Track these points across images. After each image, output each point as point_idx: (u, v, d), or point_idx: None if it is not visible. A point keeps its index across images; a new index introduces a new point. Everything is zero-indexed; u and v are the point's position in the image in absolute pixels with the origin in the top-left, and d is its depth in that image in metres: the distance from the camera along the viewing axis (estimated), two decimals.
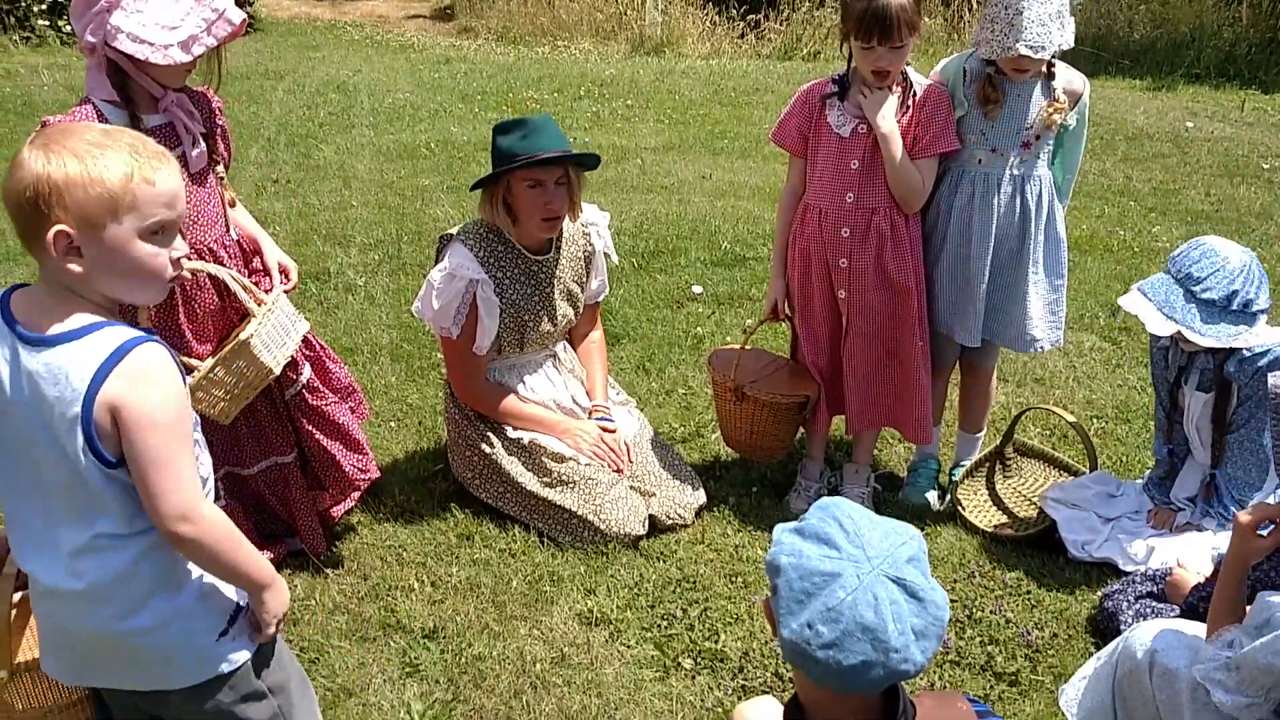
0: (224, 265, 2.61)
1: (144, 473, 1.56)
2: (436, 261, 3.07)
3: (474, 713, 2.43)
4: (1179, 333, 2.72)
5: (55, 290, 1.59)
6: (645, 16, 11.89)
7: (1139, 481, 3.15)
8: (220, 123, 2.75)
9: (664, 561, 3.00)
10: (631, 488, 3.16)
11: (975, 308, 3.12)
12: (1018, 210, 3.05)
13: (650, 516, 3.13)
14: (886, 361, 3.16)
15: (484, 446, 3.12)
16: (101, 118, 2.49)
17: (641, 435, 3.36)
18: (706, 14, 12.21)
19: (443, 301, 2.97)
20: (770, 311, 3.29)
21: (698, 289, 4.95)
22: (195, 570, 1.70)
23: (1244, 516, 2.00)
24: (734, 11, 12.25)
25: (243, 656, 1.77)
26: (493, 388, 3.17)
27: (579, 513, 3.03)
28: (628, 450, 3.25)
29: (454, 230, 3.10)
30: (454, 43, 12.55)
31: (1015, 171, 3.03)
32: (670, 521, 3.15)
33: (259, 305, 2.51)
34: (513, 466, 3.10)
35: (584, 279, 3.27)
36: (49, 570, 1.66)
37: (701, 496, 3.26)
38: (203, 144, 2.62)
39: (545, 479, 3.09)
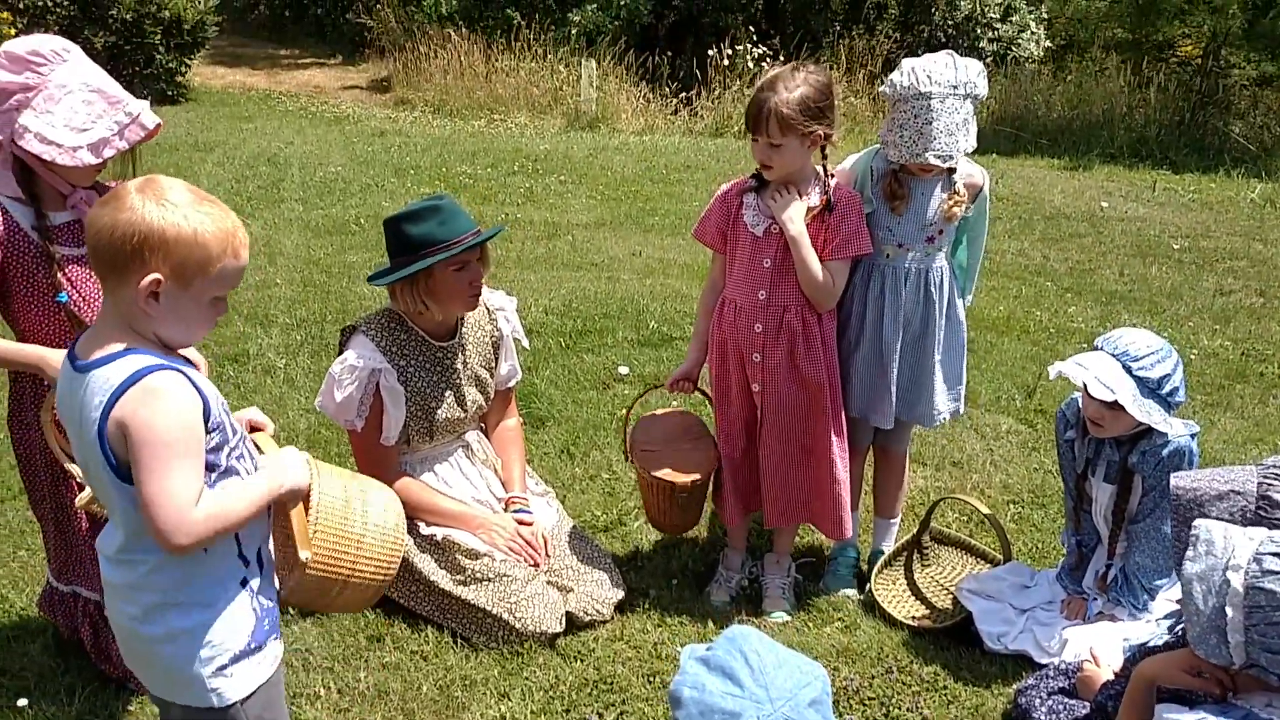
0: None
1: (140, 485, 1.66)
2: (339, 354, 3.03)
3: None
4: (1099, 414, 2.78)
5: (112, 320, 1.74)
6: (581, 92, 12.06)
7: (1052, 571, 3.18)
8: None
9: (581, 661, 2.95)
10: (549, 583, 3.11)
11: (890, 392, 3.18)
12: (921, 299, 3.14)
13: (568, 613, 3.07)
14: (802, 458, 3.17)
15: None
16: (5, 214, 2.45)
17: (560, 527, 3.32)
18: (640, 91, 12.44)
19: (344, 394, 2.93)
20: (673, 380, 3.28)
21: (624, 369, 4.96)
22: (208, 600, 1.80)
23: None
24: (667, 88, 12.49)
25: (236, 695, 1.83)
26: (404, 480, 3.11)
27: (493, 611, 2.96)
28: (545, 544, 3.20)
29: (354, 322, 3.08)
30: (389, 115, 12.59)
31: (919, 265, 3.12)
32: (588, 618, 3.10)
33: None
34: (425, 564, 3.03)
35: (493, 364, 3.26)
36: (103, 563, 1.85)
37: (621, 590, 3.21)
38: None
39: (458, 576, 3.03)
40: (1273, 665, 1.80)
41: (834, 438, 3.13)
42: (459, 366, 3.13)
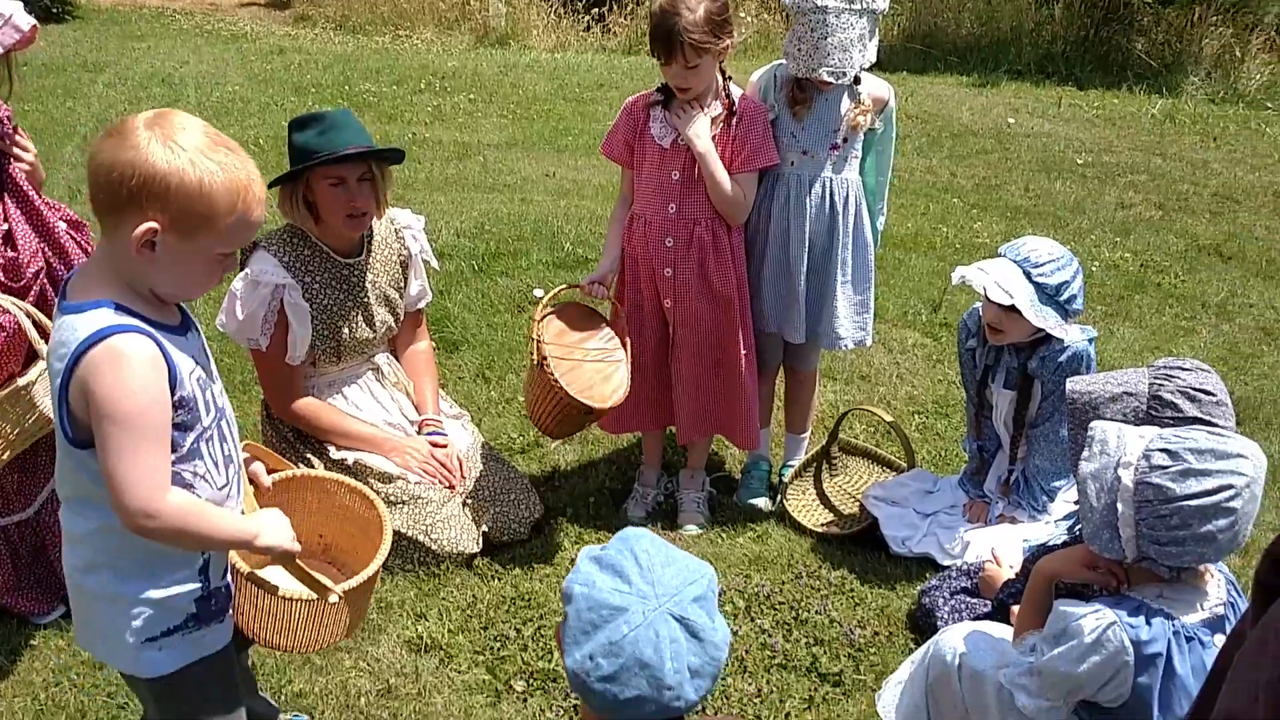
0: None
1: (103, 462, 1.55)
2: (240, 270, 2.94)
3: None
4: (997, 319, 2.85)
5: (103, 264, 1.61)
6: (489, 7, 11.71)
7: (955, 477, 3.29)
8: (6, 131, 2.55)
9: (498, 580, 2.97)
10: (464, 504, 3.11)
11: (799, 305, 3.21)
12: (827, 211, 3.15)
13: (485, 533, 3.08)
14: (714, 371, 3.20)
15: (304, 468, 3.01)
16: None
17: (474, 449, 3.31)
18: (551, 6, 12.13)
19: (247, 310, 2.85)
20: (589, 281, 3.16)
21: (539, 292, 4.91)
22: (151, 574, 1.69)
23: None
24: (579, 4, 12.20)
25: (164, 669, 1.73)
26: (312, 401, 3.06)
27: (409, 534, 2.96)
28: (460, 465, 3.19)
29: (255, 238, 2.98)
30: (289, 32, 12.07)
31: (826, 174, 3.13)
32: (506, 538, 3.12)
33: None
34: None
35: (401, 284, 3.19)
36: (63, 502, 1.73)
37: (538, 510, 3.23)
38: None
39: None
40: (1162, 557, 1.89)
41: (743, 351, 3.16)
42: (366, 285, 3.06)
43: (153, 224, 1.53)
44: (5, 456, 2.33)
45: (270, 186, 2.89)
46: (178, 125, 1.55)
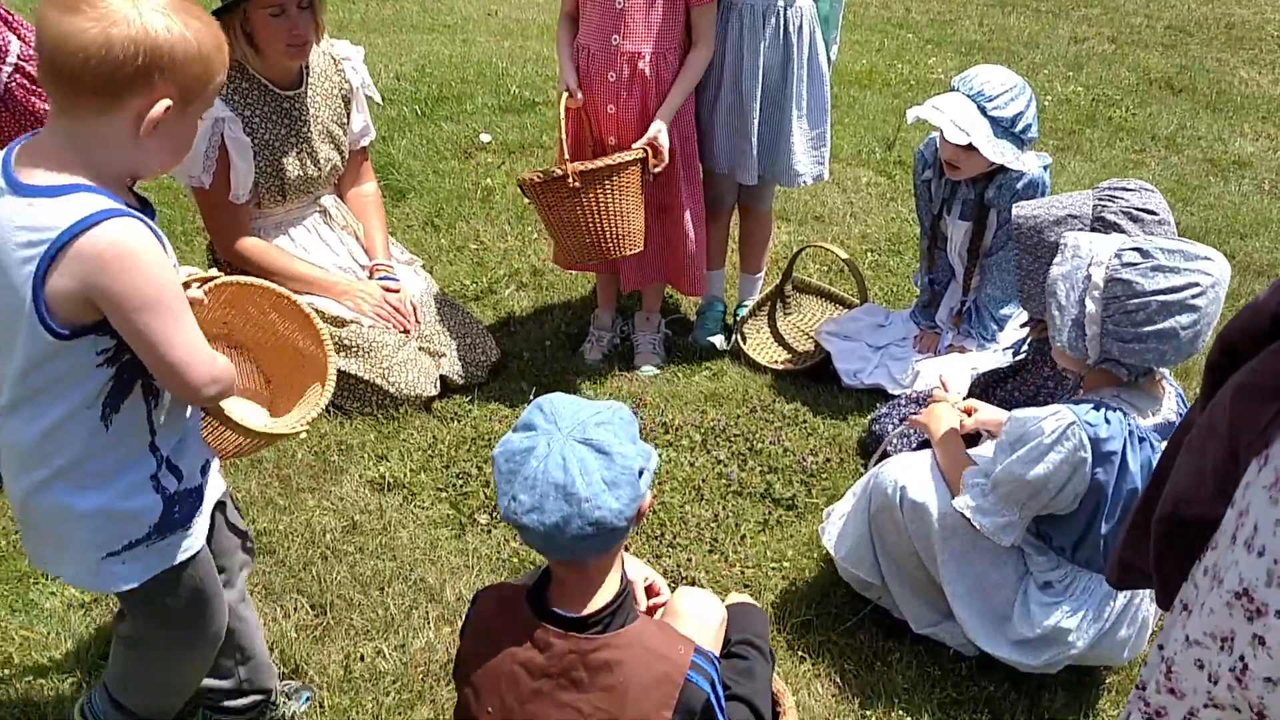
0: None
1: (155, 355, 1.50)
2: None
3: (261, 589, 2.39)
4: (955, 156, 2.84)
5: (64, 142, 1.47)
6: None
7: (906, 311, 3.33)
8: None
9: (458, 421, 2.99)
10: (421, 349, 3.10)
11: (751, 144, 3.16)
12: (781, 42, 3.07)
13: (442, 377, 3.09)
14: (657, 218, 3.15)
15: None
16: None
17: (428, 294, 3.28)
18: None
19: None
20: (568, 91, 3.02)
21: (486, 137, 4.79)
22: (105, 485, 1.59)
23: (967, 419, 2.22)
24: None
25: (127, 583, 1.66)
26: (259, 242, 2.99)
27: (365, 378, 2.95)
28: (414, 310, 3.16)
29: None
30: None
31: (779, 2, 3.03)
32: (463, 381, 3.13)
33: None
34: None
35: (344, 120, 3.09)
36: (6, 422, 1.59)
37: (495, 353, 3.24)
38: None
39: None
40: (1124, 354, 1.95)
41: (687, 195, 3.12)
42: (309, 119, 2.96)
43: (168, 100, 1.45)
44: None
45: None
46: None
